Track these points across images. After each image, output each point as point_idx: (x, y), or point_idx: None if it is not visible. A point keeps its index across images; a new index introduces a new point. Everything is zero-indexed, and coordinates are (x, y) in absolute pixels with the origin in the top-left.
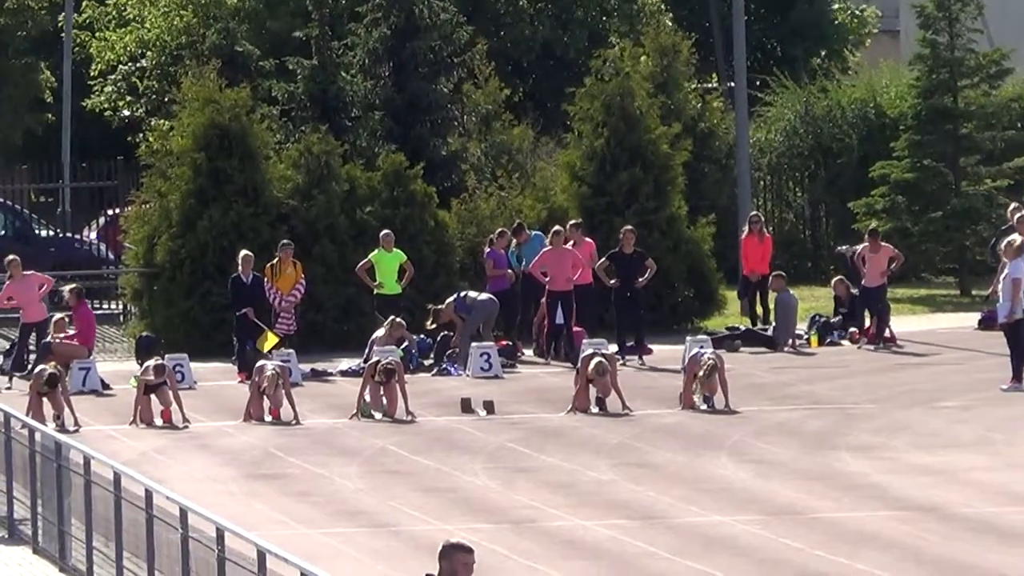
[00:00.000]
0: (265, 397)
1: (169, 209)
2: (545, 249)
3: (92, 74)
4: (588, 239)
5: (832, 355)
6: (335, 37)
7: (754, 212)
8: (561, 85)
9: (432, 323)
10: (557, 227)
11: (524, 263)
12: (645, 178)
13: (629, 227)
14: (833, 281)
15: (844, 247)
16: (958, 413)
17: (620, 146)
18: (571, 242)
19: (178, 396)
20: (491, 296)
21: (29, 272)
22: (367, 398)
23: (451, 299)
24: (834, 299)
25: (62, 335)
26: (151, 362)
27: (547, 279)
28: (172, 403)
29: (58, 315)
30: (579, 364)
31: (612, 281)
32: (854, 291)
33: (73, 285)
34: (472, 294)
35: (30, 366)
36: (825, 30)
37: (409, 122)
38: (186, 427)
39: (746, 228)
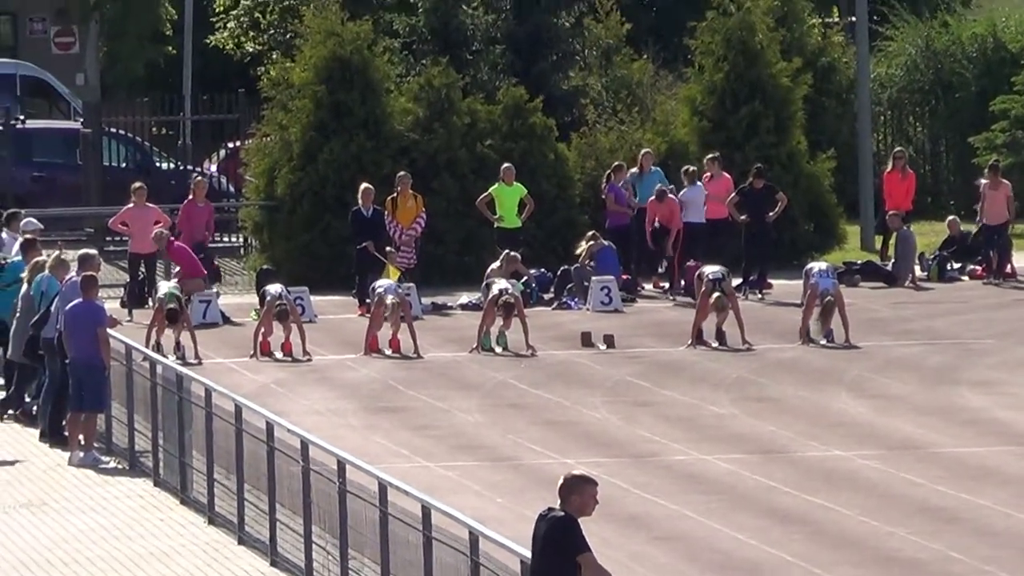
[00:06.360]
0: (387, 323)
1: (290, 142)
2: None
3: (216, 9)
4: (726, 173)
5: (951, 291)
6: None
7: (899, 148)
8: (682, 19)
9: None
10: (688, 167)
11: (638, 197)
12: (765, 113)
13: (758, 165)
14: (948, 220)
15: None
16: None
17: (740, 80)
18: (709, 175)
19: (302, 327)
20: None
21: (151, 205)
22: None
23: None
24: (947, 238)
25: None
26: (271, 288)
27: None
28: (292, 329)
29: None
30: (701, 290)
31: (742, 217)
32: (964, 229)
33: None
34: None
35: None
36: None
37: (530, 56)
38: (307, 360)
39: (889, 164)
